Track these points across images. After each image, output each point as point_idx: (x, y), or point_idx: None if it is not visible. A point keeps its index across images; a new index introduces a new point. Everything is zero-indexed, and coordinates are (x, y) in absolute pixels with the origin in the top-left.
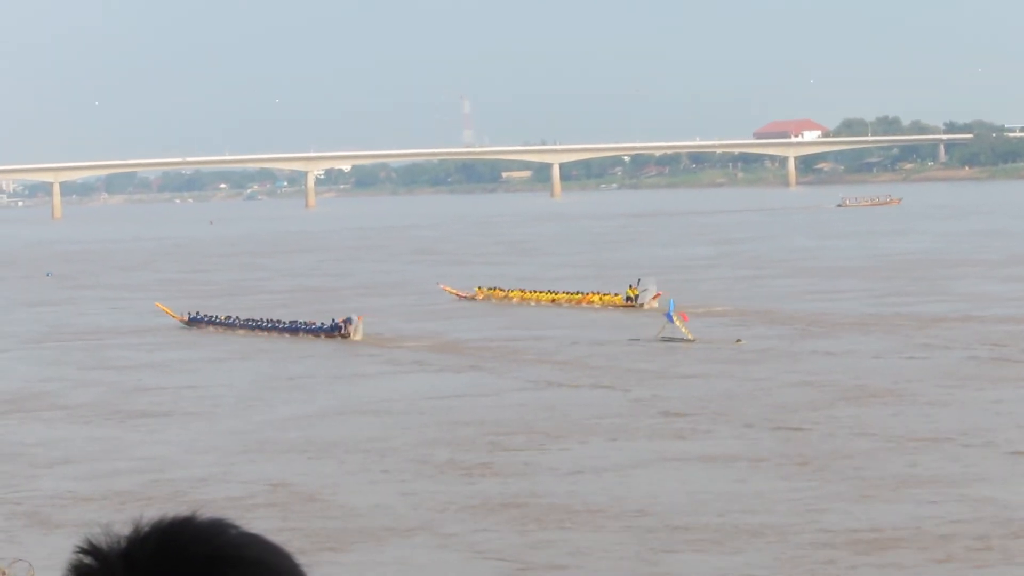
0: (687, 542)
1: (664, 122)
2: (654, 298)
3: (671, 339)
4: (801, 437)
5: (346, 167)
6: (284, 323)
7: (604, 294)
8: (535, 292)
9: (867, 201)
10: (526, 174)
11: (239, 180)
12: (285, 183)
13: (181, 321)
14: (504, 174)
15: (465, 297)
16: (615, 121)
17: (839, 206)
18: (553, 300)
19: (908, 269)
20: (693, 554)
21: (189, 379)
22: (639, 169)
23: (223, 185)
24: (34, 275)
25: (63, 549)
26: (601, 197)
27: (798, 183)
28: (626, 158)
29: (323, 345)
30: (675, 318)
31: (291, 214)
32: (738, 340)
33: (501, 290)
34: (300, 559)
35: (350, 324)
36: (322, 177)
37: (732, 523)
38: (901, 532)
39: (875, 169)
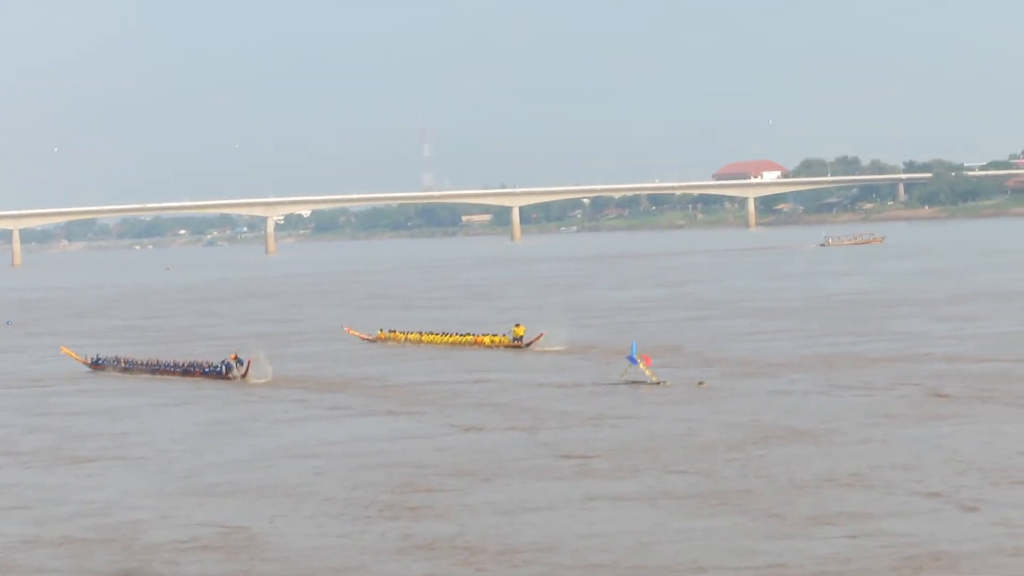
0: None
1: (624, 164)
2: (537, 338)
3: (635, 382)
4: (721, 476)
5: (306, 212)
6: (181, 365)
7: (493, 335)
8: (431, 334)
9: (850, 240)
10: (486, 218)
11: (199, 226)
12: (245, 228)
13: (85, 364)
14: (464, 217)
15: (368, 339)
16: (575, 164)
17: (822, 245)
18: (446, 342)
19: (851, 309)
20: None
21: (129, 425)
22: (599, 211)
23: (183, 231)
24: None
25: None
26: (561, 240)
27: (758, 224)
28: (586, 200)
29: (248, 391)
30: (638, 360)
31: (250, 260)
32: (700, 382)
33: (401, 332)
34: None
35: (242, 365)
36: (282, 222)
37: (650, 560)
38: (812, 568)
39: (835, 209)
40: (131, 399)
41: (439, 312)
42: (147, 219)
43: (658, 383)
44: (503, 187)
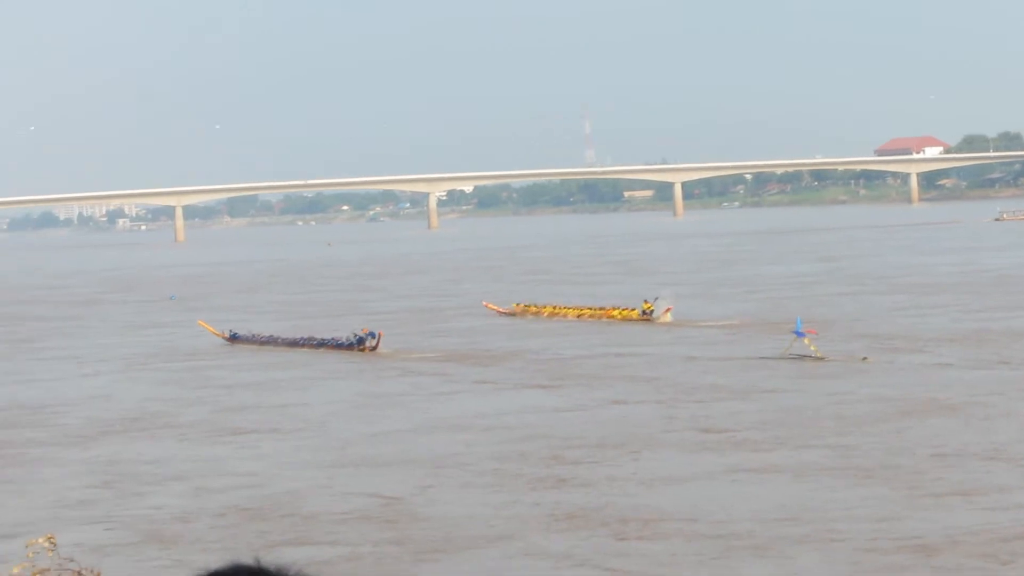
0: (751, 549)
1: (786, 139)
2: (666, 312)
3: (800, 356)
4: (866, 449)
5: (468, 188)
6: (315, 339)
7: (623, 309)
8: (564, 307)
9: None
10: (648, 193)
11: (361, 202)
12: (407, 204)
13: (223, 338)
14: (626, 193)
15: (505, 313)
16: (737, 139)
17: (997, 220)
18: (579, 315)
19: (1011, 284)
20: (756, 560)
21: (283, 397)
22: (761, 187)
23: (345, 207)
24: (154, 298)
25: (179, 565)
26: (722, 215)
27: (920, 199)
28: (748, 176)
29: (397, 365)
30: (804, 334)
31: (412, 235)
32: (864, 358)
33: (536, 305)
34: None
35: (372, 339)
36: (444, 198)
37: (790, 531)
38: (951, 539)
39: (997, 185)
40: (283, 372)
41: (595, 287)
42: (309, 195)
43: (821, 358)
44: (665, 163)
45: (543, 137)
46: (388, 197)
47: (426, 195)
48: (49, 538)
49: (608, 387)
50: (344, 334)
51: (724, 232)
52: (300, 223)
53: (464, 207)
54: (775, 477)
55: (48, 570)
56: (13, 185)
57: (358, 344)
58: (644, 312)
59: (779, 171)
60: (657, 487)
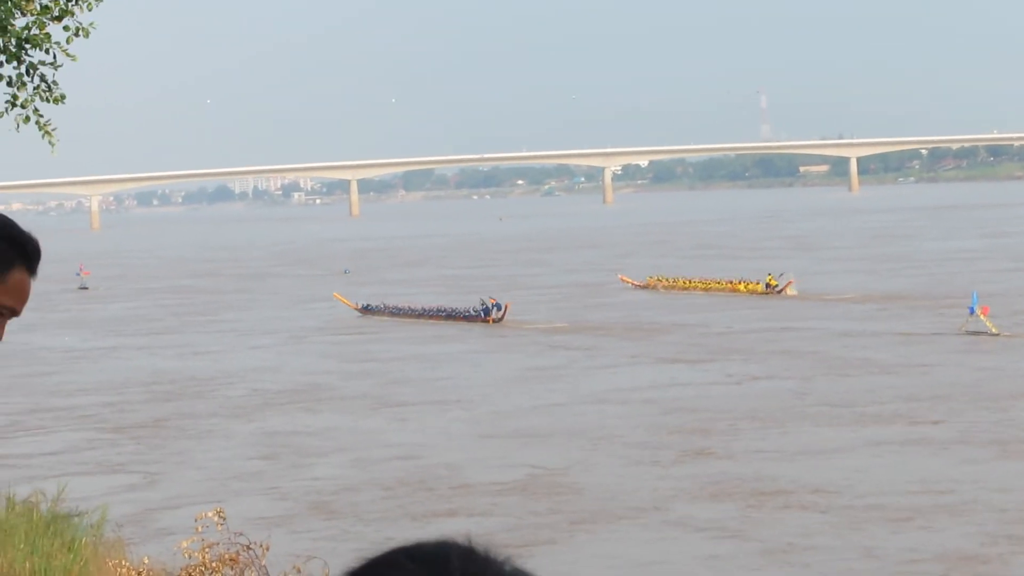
0: (890, 521)
1: (962, 114)
2: (788, 284)
3: (976, 332)
4: (1010, 424)
5: (643, 162)
6: (444, 310)
7: (748, 282)
8: (694, 280)
9: None
10: (823, 168)
11: (536, 176)
12: (582, 179)
13: (356, 310)
14: (801, 168)
15: (639, 286)
16: (913, 114)
17: None
18: (707, 287)
19: None
20: (895, 533)
21: (439, 371)
22: (936, 162)
23: (520, 181)
24: (327, 272)
25: (343, 536)
26: (898, 191)
27: None
28: (923, 151)
29: (551, 339)
30: (978, 311)
31: (586, 210)
32: None
33: (668, 278)
34: None
35: (499, 310)
36: (619, 173)
37: (925, 502)
38: None
39: None
40: (438, 346)
41: (762, 262)
42: (485, 169)
43: (997, 334)
44: (840, 137)
45: (719, 110)
46: (563, 172)
47: (601, 170)
48: (218, 511)
49: (762, 361)
50: (472, 305)
51: (897, 208)
52: (475, 197)
53: (639, 181)
54: (918, 450)
55: (217, 544)
56: (188, 158)
57: (485, 314)
58: (768, 286)
59: (955, 147)
60: (802, 460)
